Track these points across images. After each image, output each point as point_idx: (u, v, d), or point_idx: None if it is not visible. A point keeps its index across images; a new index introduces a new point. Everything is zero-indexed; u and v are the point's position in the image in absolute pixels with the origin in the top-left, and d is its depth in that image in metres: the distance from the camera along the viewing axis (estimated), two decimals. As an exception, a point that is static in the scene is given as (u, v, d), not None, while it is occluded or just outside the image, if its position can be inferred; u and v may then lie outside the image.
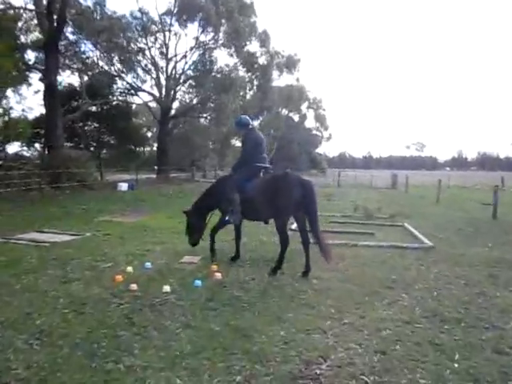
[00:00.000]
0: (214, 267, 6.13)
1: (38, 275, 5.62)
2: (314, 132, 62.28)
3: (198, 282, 5.34)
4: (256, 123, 32.33)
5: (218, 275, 5.73)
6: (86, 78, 25.85)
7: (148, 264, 6.21)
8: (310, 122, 61.51)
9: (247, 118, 6.87)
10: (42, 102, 19.77)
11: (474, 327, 4.17)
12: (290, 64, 26.99)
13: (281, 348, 3.63)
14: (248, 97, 28.00)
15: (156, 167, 28.93)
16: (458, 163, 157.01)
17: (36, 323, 4.03)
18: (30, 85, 22.41)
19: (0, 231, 8.51)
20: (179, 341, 3.73)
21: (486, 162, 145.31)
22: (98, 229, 9.17)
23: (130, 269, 5.94)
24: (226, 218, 6.43)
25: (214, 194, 6.73)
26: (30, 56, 24.46)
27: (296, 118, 56.38)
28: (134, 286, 5.11)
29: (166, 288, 5.08)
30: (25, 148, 29.58)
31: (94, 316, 4.24)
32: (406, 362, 3.42)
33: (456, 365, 3.40)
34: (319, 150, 69.05)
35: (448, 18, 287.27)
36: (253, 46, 25.97)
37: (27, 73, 24.04)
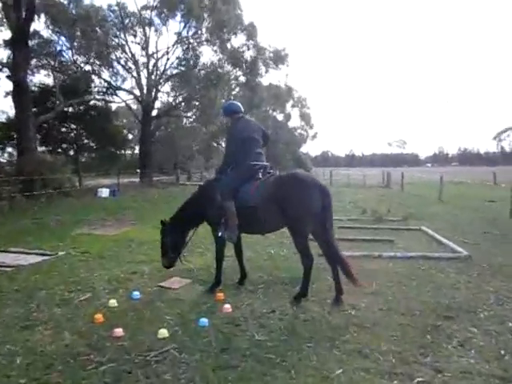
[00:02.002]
0: (220, 295, 4.88)
1: (-9, 317, 4.27)
2: (299, 131, 61.16)
3: (204, 321, 4.07)
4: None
5: (228, 308, 4.47)
6: (61, 76, 24.20)
7: (136, 294, 4.91)
8: (294, 121, 60.33)
9: (238, 103, 5.41)
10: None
11: None
12: (278, 59, 25.70)
13: None
14: (233, 94, 26.62)
15: (139, 170, 27.41)
16: (439, 159, 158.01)
17: (-26, 409, 2.72)
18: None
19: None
20: (191, 434, 2.47)
21: (467, 158, 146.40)
22: (74, 245, 7.79)
23: (113, 302, 4.64)
24: (219, 234, 4.95)
25: (200, 204, 5.25)
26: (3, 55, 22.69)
27: (280, 117, 55.18)
28: (119, 332, 3.82)
29: (163, 332, 3.80)
30: (-3, 154, 27.90)
31: (63, 388, 2.94)
32: None
33: None
34: (303, 150, 68.02)
35: (429, 17, 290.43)
36: (239, 40, 24.74)
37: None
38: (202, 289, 5.23)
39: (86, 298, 4.86)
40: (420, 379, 3.06)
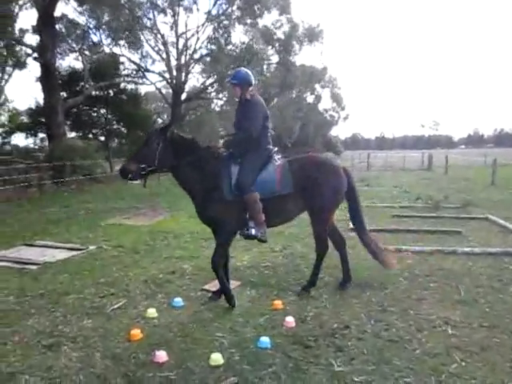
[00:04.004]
0: (278, 304, 4.05)
1: (9, 332, 3.58)
2: (330, 113, 59.51)
3: (265, 342, 3.26)
4: (275, 101, 29.40)
5: (290, 322, 3.65)
6: (89, 59, 23.64)
7: (178, 301, 4.14)
8: (325, 103, 58.71)
9: (249, 72, 4.32)
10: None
11: None
12: (312, 36, 24.35)
13: None
14: (267, 74, 25.39)
15: (169, 155, 26.74)
16: (474, 141, 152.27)
17: None
18: (23, 67, 19.79)
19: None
20: None
21: (504, 139, 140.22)
22: (105, 238, 7.12)
23: (151, 312, 3.88)
24: (252, 232, 4.02)
25: (199, 175, 4.12)
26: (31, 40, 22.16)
27: (311, 99, 53.60)
28: (161, 356, 3.05)
29: (217, 358, 3.01)
30: (30, 140, 27.80)
31: None
32: None
33: None
34: (333, 132, 66.39)
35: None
36: (271, 16, 23.50)
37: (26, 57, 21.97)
38: (254, 294, 4.42)
39: (120, 305, 4.12)
40: None
